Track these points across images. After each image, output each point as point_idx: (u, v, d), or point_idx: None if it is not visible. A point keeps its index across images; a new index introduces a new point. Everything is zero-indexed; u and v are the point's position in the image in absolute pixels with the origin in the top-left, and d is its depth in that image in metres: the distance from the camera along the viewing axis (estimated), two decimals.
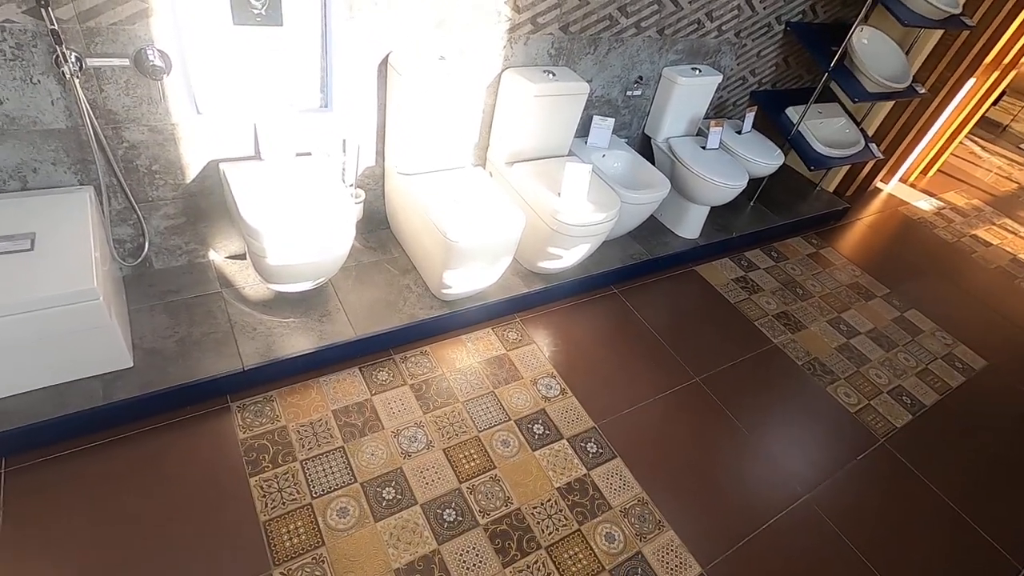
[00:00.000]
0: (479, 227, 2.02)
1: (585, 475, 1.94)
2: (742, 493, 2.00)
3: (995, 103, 5.84)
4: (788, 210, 3.54)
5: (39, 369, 1.62)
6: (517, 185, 2.40)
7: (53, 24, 1.44)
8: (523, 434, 2.02)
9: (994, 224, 4.35)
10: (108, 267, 1.76)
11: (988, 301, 3.39)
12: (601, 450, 2.03)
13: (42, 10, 1.42)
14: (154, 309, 1.99)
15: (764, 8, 2.95)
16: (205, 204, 2.04)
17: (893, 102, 3.63)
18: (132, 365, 1.79)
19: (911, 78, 3.17)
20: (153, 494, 1.61)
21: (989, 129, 6.23)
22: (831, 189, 3.97)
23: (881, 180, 4.37)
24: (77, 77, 1.54)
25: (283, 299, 2.14)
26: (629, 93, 2.82)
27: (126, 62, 1.63)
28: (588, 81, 2.58)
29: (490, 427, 2.01)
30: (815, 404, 2.43)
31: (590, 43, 2.49)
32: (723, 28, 2.88)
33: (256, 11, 1.71)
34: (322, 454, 1.81)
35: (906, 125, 3.84)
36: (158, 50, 1.65)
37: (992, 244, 4.05)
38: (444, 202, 2.09)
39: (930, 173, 4.76)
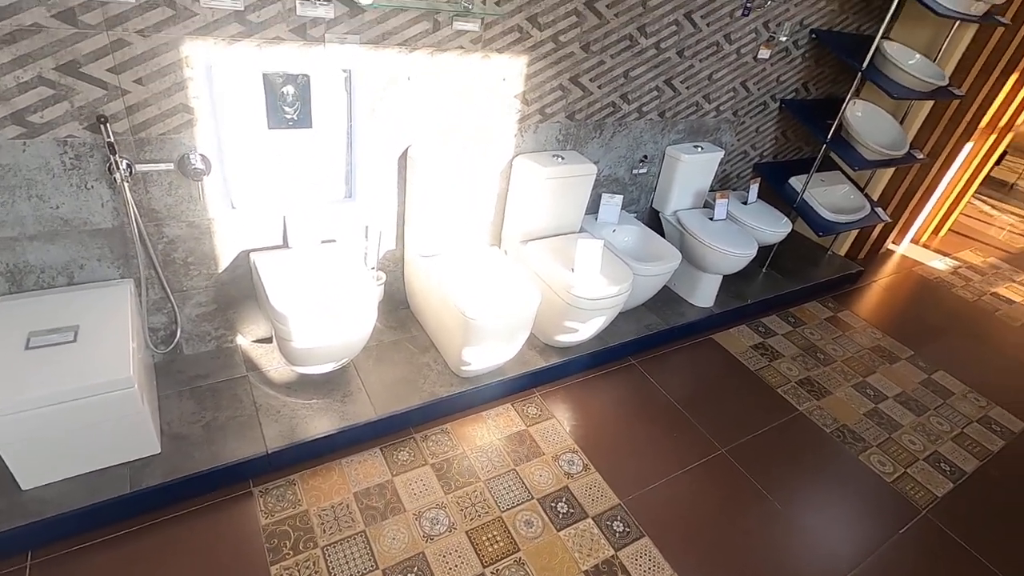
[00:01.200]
0: (496, 304, 2.08)
1: (613, 556, 1.87)
2: (782, 571, 1.90)
3: (998, 163, 5.95)
4: (801, 275, 3.57)
5: (73, 457, 1.66)
6: (532, 262, 2.49)
7: (110, 137, 1.61)
8: (547, 513, 1.97)
9: (1014, 281, 4.31)
10: (142, 355, 1.84)
11: (1020, 359, 3.31)
12: (628, 529, 1.96)
13: (101, 126, 1.59)
14: (182, 395, 2.05)
15: (758, 89, 3.14)
16: (235, 291, 2.15)
17: (894, 168, 3.73)
18: (160, 451, 1.82)
19: (908, 145, 3.28)
20: None
21: (997, 188, 6.30)
22: (843, 253, 4.01)
23: (892, 242, 4.41)
24: (127, 181, 1.69)
25: (307, 380, 2.18)
26: (635, 171, 2.96)
27: (171, 166, 1.79)
28: (595, 162, 2.73)
29: (513, 506, 1.97)
30: (848, 474, 2.34)
31: (595, 128, 2.66)
32: (720, 108, 3.06)
33: (289, 116, 1.88)
34: (343, 539, 1.78)
35: (910, 188, 3.92)
36: (200, 154, 1.81)
37: (1015, 301, 3.99)
38: (463, 281, 2.17)
39: (941, 233, 4.79)
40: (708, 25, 2.66)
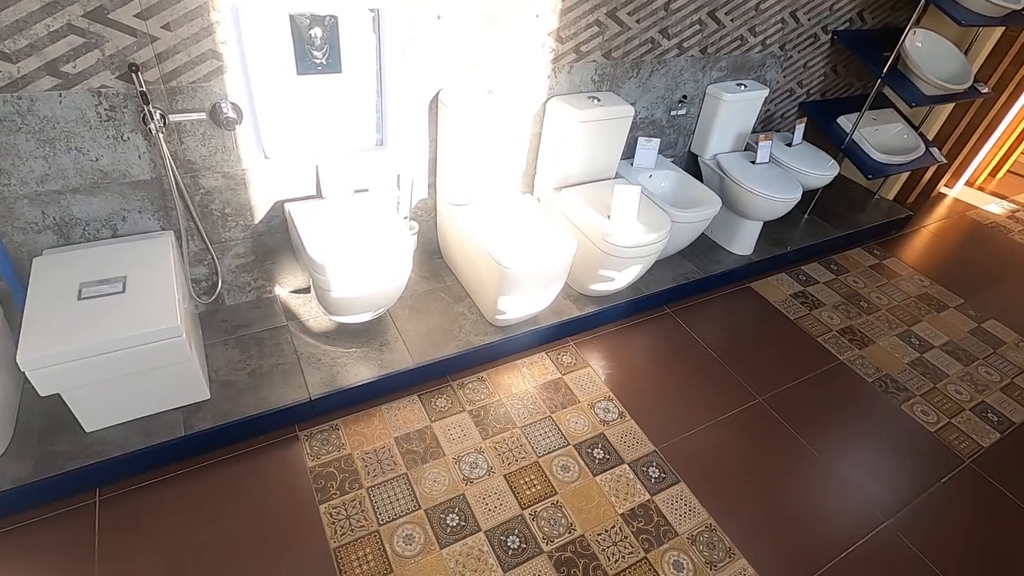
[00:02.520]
0: (531, 253, 2.05)
1: (649, 500, 1.90)
2: (816, 519, 1.91)
3: None
4: (846, 221, 3.42)
5: (130, 402, 1.73)
6: (566, 210, 2.43)
7: (142, 86, 1.59)
8: (583, 459, 2.00)
9: None
10: (187, 305, 1.88)
11: None
12: (664, 475, 1.98)
13: (133, 75, 1.57)
14: (227, 343, 2.11)
15: (809, 20, 2.91)
16: (272, 243, 2.16)
17: (953, 104, 3.48)
18: (209, 397, 1.89)
19: (972, 78, 3.04)
20: (230, 522, 1.68)
21: None
22: (891, 197, 3.81)
23: (945, 185, 4.17)
24: (162, 132, 1.68)
25: (345, 330, 2.22)
26: (674, 113, 2.82)
27: (203, 115, 1.77)
28: (632, 104, 2.60)
29: (549, 452, 2.01)
30: (890, 423, 2.30)
31: (633, 67, 2.52)
32: (767, 42, 2.86)
33: (318, 61, 1.83)
34: (387, 481, 1.85)
35: (969, 126, 3.66)
36: (231, 103, 1.78)
37: None
38: (497, 230, 2.14)
39: (999, 174, 4.50)
40: None
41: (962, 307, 3.03)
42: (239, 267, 2.16)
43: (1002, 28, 3.21)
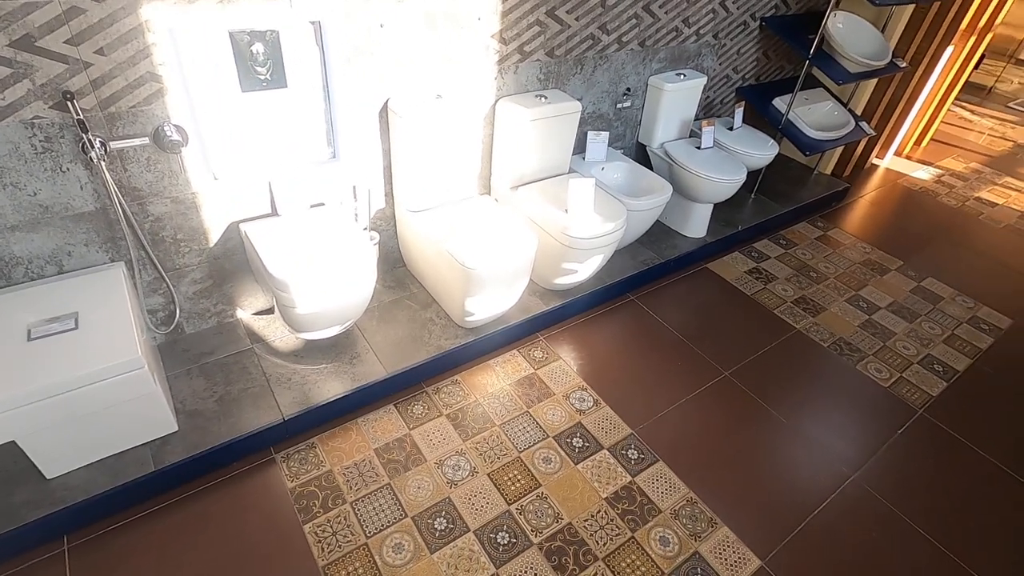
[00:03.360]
0: (494, 253, 2.07)
1: (631, 482, 1.95)
2: (789, 481, 2.00)
3: (976, 67, 5.89)
4: (789, 197, 3.58)
5: (93, 443, 1.67)
6: (524, 207, 2.46)
7: (79, 115, 1.53)
8: (563, 449, 2.04)
9: (996, 184, 4.36)
10: (145, 336, 1.82)
11: (1004, 260, 3.39)
12: (642, 456, 2.04)
13: (68, 103, 1.51)
14: (190, 372, 2.05)
15: (737, 8, 3.05)
16: (229, 265, 2.12)
17: (876, 79, 3.69)
18: (177, 429, 1.83)
19: (890, 54, 3.24)
20: (212, 554, 1.64)
21: (975, 93, 6.28)
22: (828, 171, 4.01)
23: (876, 156, 4.41)
24: (103, 160, 1.62)
25: (313, 347, 2.19)
26: (619, 106, 2.90)
27: (146, 140, 1.72)
28: (579, 99, 2.66)
29: (530, 446, 2.03)
30: (847, 383, 2.43)
31: (576, 64, 2.58)
32: (700, 32, 2.98)
33: (262, 77, 1.80)
34: (370, 493, 1.84)
35: (893, 99, 3.90)
36: (175, 125, 1.74)
37: (997, 204, 4.06)
38: (457, 233, 2.15)
39: (924, 143, 4.80)
40: None
41: (902, 268, 3.22)
42: (197, 293, 2.11)
43: (913, 5, 3.43)
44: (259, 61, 1.77)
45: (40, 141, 1.57)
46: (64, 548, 1.62)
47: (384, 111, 2.15)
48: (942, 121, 5.01)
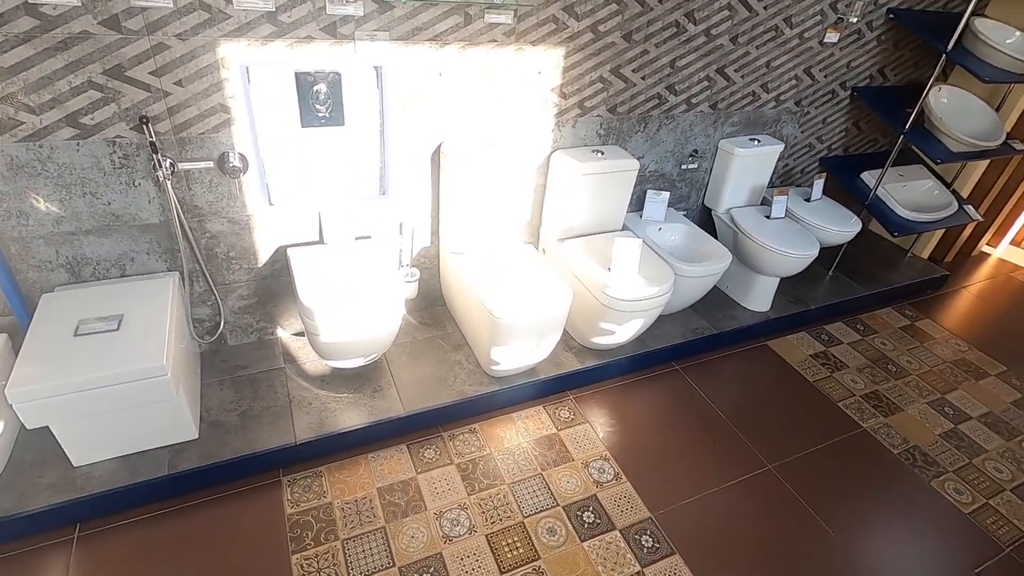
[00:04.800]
0: (525, 303, 2.02)
1: (639, 573, 1.77)
2: None
3: None
4: (874, 279, 3.26)
5: (118, 439, 1.76)
6: (568, 261, 2.41)
7: (152, 137, 1.69)
8: (571, 522, 1.89)
9: None
10: (185, 344, 1.93)
11: None
12: (658, 544, 1.85)
13: (143, 126, 1.68)
14: (223, 383, 2.13)
15: (825, 76, 2.89)
16: (275, 286, 2.22)
17: (988, 161, 3.33)
18: (196, 437, 1.90)
19: (1004, 135, 2.91)
20: (197, 568, 1.65)
21: None
22: (925, 256, 3.63)
23: (988, 244, 3.95)
24: (170, 179, 1.77)
25: (339, 374, 2.22)
26: (684, 167, 2.81)
27: (211, 164, 1.86)
28: (639, 157, 2.61)
29: (536, 512, 1.91)
30: (917, 501, 2.10)
31: (639, 121, 2.54)
32: (781, 98, 2.84)
33: (321, 115, 1.92)
34: (364, 534, 1.79)
35: (1009, 184, 3.49)
36: (238, 153, 1.87)
37: None
38: (493, 279, 2.13)
39: None
40: (765, 8, 2.48)
41: (1004, 375, 2.80)
42: (242, 308, 2.22)
43: None
44: (320, 100, 1.89)
45: (119, 158, 1.74)
46: (74, 536, 1.70)
47: (436, 154, 2.21)
48: None
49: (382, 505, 1.89)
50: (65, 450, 1.72)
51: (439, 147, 2.19)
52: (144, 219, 1.88)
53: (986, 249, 3.99)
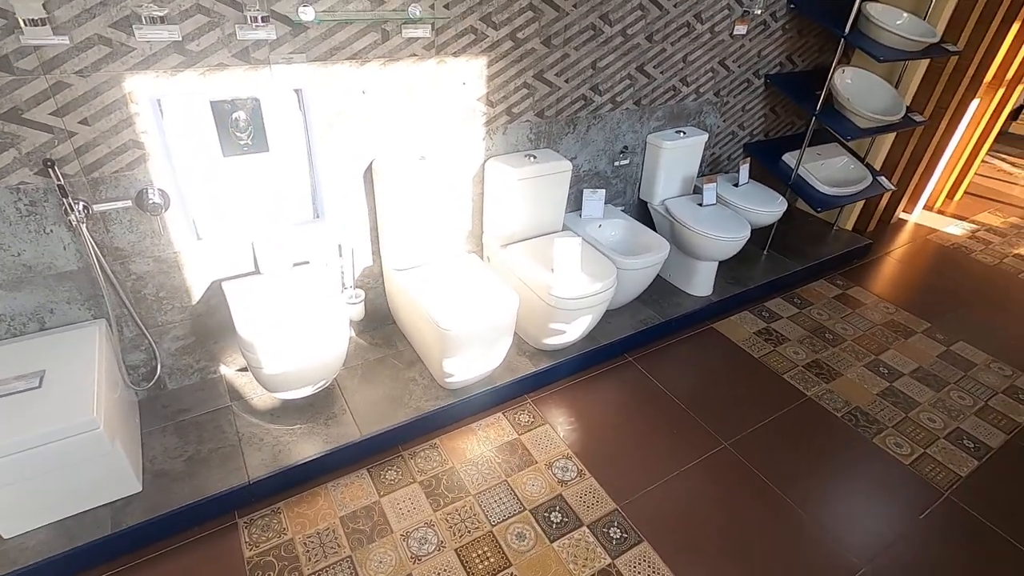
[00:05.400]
0: (473, 312, 2.03)
1: (610, 565, 1.79)
2: (791, 572, 1.80)
3: (1014, 118, 5.68)
4: (805, 254, 3.43)
5: (52, 503, 1.65)
6: (512, 266, 2.43)
7: (60, 180, 1.61)
8: (540, 524, 1.90)
9: None
10: (119, 394, 1.83)
11: None
12: (625, 535, 1.88)
13: (49, 170, 1.59)
14: (166, 430, 2.04)
15: (739, 67, 3.03)
16: (212, 322, 2.14)
17: (894, 134, 3.57)
18: (140, 490, 1.81)
19: (904, 109, 3.13)
20: None
21: (1016, 144, 6.01)
22: (849, 227, 3.85)
23: (904, 211, 4.22)
24: (84, 223, 1.68)
25: (290, 406, 2.16)
26: (617, 163, 2.88)
27: (128, 203, 1.78)
28: (572, 158, 2.66)
29: (504, 519, 1.91)
30: (862, 459, 2.21)
31: (568, 123, 2.59)
32: (700, 90, 2.96)
33: (243, 142, 1.87)
34: (328, 566, 1.74)
35: (915, 153, 3.75)
36: (157, 189, 1.80)
37: None
38: (438, 291, 2.12)
39: (957, 196, 4.58)
40: (675, 6, 2.58)
41: (929, 331, 3.00)
42: (179, 350, 2.13)
43: (927, 60, 3.34)
44: (240, 127, 1.84)
45: (25, 205, 1.64)
46: None
47: (369, 171, 2.19)
48: (977, 173, 4.79)
49: (346, 534, 1.84)
50: None
51: (371, 165, 2.17)
52: (60, 267, 1.77)
53: (903, 216, 4.26)
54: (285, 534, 1.83)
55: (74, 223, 1.66)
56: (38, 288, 1.77)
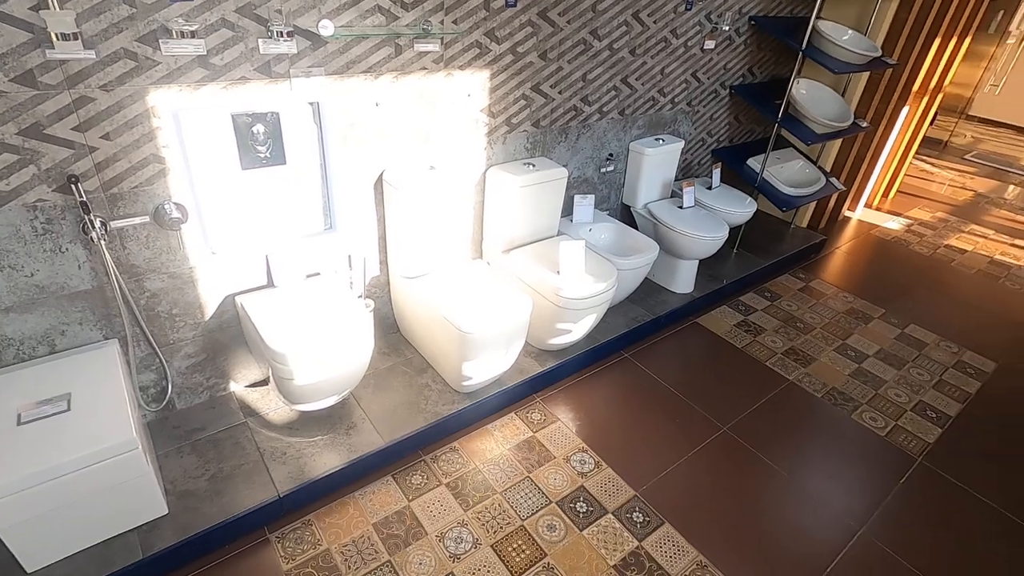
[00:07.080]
0: (490, 316, 2.10)
1: (638, 547, 1.90)
2: (799, 538, 1.97)
3: (931, 123, 6.28)
4: (770, 251, 3.70)
5: (78, 531, 1.59)
6: (516, 270, 2.51)
7: (82, 196, 1.56)
8: (567, 515, 1.99)
9: (963, 231, 4.56)
10: (138, 415, 1.78)
11: (980, 304, 3.51)
12: (648, 518, 2.00)
13: (72, 186, 1.55)
14: (181, 451, 1.99)
15: (708, 79, 3.25)
16: (223, 338, 2.10)
17: (841, 139, 3.91)
18: (167, 512, 1.76)
19: (852, 115, 3.45)
20: None
21: (933, 147, 6.65)
22: (804, 225, 4.17)
23: (848, 209, 4.61)
24: (103, 240, 1.64)
25: (308, 418, 2.15)
26: (603, 170, 3.03)
27: (147, 219, 1.75)
28: (564, 166, 2.78)
29: (533, 513, 1.98)
30: (845, 434, 2.43)
31: (561, 133, 2.71)
32: (675, 100, 3.16)
33: (262, 155, 1.87)
34: (369, 572, 1.76)
35: (858, 156, 4.12)
36: (175, 203, 1.78)
37: (967, 250, 4.23)
38: (452, 297, 2.18)
39: (891, 195, 5.03)
40: (655, 23, 2.76)
41: (885, 316, 3.30)
42: (190, 367, 2.08)
43: (867, 73, 3.69)
44: (259, 140, 1.84)
45: (41, 223, 1.59)
46: None
47: (379, 183, 2.22)
48: (906, 174, 5.28)
49: (382, 539, 1.86)
50: (16, 555, 1.52)
51: (381, 175, 2.21)
52: (74, 287, 1.72)
53: (848, 213, 4.65)
54: (320, 545, 1.83)
55: (94, 240, 1.62)
56: (51, 309, 1.70)
